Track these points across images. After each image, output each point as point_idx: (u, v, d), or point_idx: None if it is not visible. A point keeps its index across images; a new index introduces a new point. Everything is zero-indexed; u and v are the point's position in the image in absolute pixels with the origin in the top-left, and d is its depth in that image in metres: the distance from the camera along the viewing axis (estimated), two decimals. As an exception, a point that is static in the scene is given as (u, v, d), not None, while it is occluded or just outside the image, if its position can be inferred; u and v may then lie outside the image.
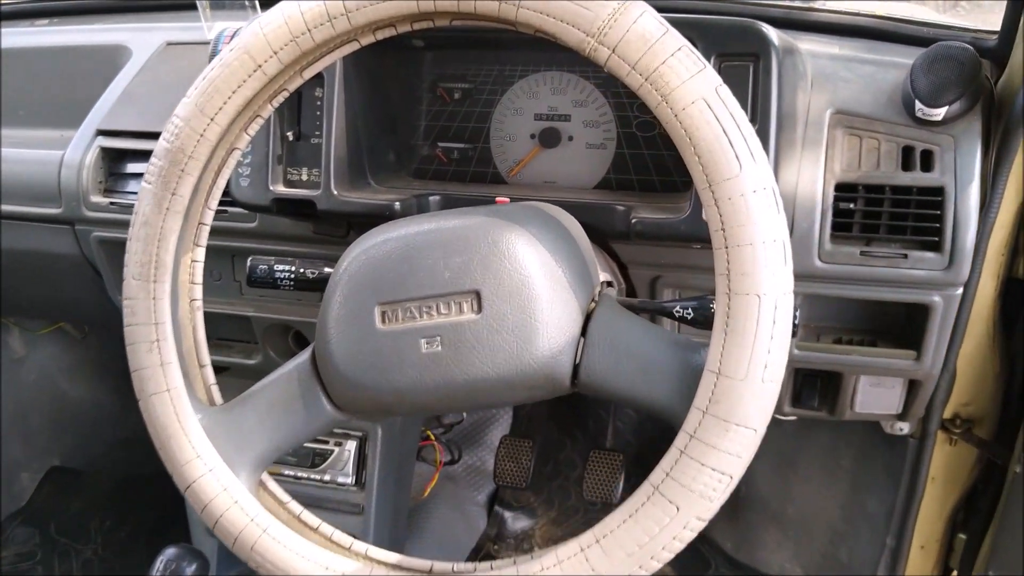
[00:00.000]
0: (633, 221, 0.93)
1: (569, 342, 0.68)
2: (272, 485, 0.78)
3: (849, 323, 1.11)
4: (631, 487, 1.68)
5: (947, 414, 1.23)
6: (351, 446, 1.31)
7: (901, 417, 1.16)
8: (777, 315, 0.63)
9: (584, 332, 0.69)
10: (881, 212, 0.97)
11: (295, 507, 0.77)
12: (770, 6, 1.29)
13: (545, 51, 1.09)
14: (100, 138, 1.28)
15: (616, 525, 0.65)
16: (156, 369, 0.75)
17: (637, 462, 1.91)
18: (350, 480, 1.34)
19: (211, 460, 0.74)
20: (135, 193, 1.19)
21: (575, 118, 1.12)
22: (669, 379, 0.68)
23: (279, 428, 0.76)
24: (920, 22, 1.21)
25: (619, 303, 0.74)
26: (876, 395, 1.10)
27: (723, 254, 0.64)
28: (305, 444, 1.13)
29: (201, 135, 0.73)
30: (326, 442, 1.35)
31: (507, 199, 0.95)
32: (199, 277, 0.80)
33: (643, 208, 0.95)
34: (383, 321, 0.70)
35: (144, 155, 1.29)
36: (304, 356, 0.78)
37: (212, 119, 0.72)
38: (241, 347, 1.41)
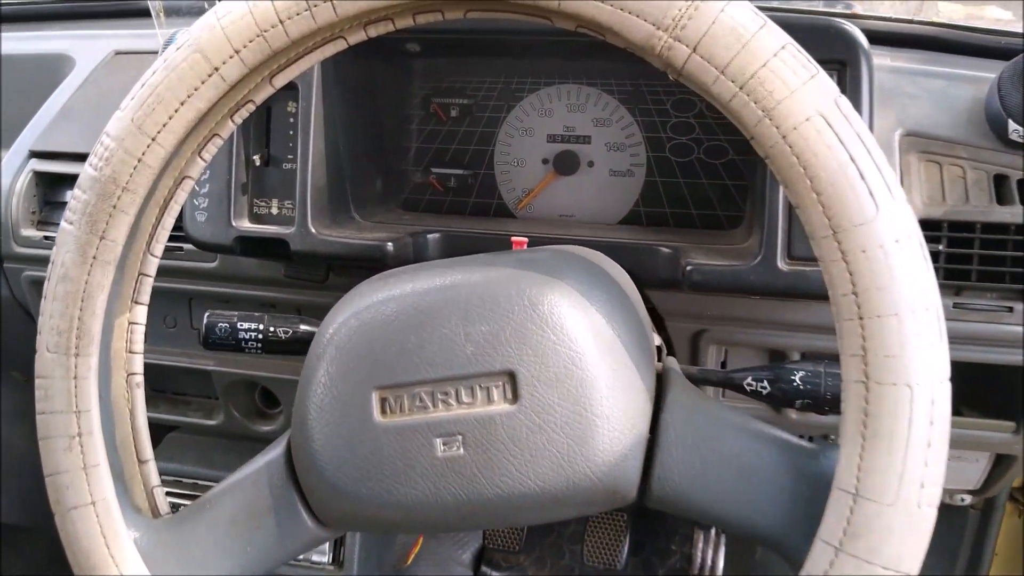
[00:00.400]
0: (688, 268, 0.79)
1: (636, 442, 0.53)
2: None
3: None
4: (636, 548, 1.47)
5: (1016, 482, 1.11)
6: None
7: (977, 492, 0.98)
8: (935, 412, 0.46)
9: (654, 426, 0.54)
10: (972, 255, 0.83)
11: None
12: (809, 13, 1.12)
13: (560, 59, 0.98)
14: (34, 161, 1.12)
15: None
16: (78, 474, 0.55)
17: (641, 518, 1.72)
18: (326, 559, 1.16)
19: (149, 600, 0.55)
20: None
21: (596, 140, 0.99)
22: (778, 495, 0.51)
23: (244, 551, 0.57)
24: (988, 30, 1.05)
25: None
26: (954, 469, 0.97)
27: (855, 328, 0.46)
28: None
29: (139, 160, 0.54)
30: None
31: (524, 239, 0.79)
32: (139, 343, 0.61)
33: (694, 251, 0.82)
34: (384, 412, 0.54)
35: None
36: (276, 451, 0.59)
37: (154, 139, 0.54)
38: (199, 404, 1.25)
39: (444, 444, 0.54)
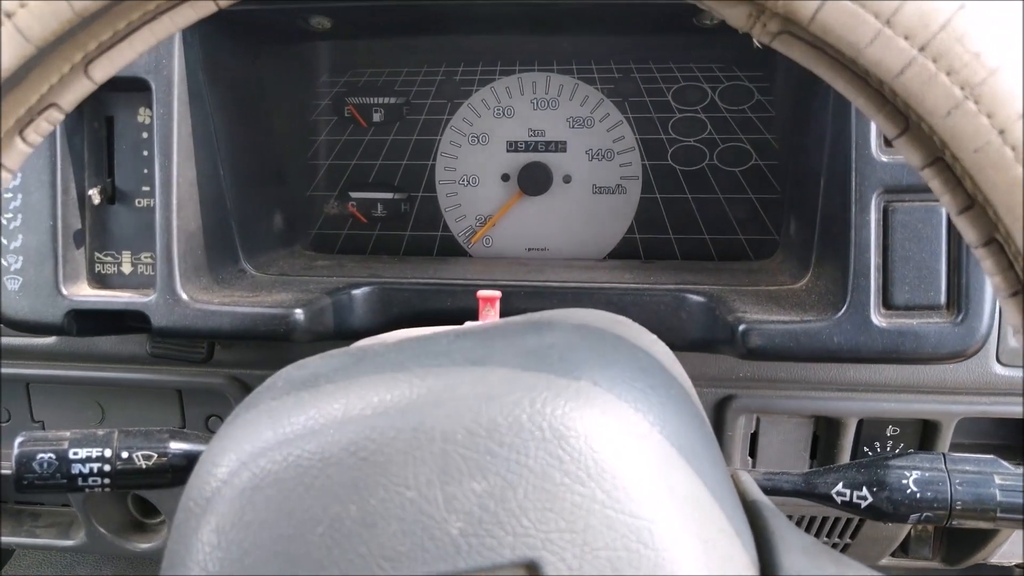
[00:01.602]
0: (741, 329, 0.66)
1: None
2: None
3: (1000, 441, 0.86)
4: None
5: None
6: None
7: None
8: None
9: None
10: None
11: None
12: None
13: (521, 36, 0.88)
14: None
15: None
16: None
17: None
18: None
19: None
20: None
21: (574, 146, 0.89)
22: None
23: None
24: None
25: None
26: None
27: None
28: None
29: None
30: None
31: (495, 294, 0.63)
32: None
33: (733, 298, 0.71)
34: None
35: None
36: None
37: None
38: (53, 517, 1.07)
39: None
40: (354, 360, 0.44)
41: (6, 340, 0.88)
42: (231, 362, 0.81)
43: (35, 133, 0.40)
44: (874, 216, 0.65)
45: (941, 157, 0.35)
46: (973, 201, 0.35)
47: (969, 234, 0.34)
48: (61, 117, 0.40)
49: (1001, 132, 0.32)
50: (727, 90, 0.83)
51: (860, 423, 0.80)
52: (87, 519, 1.00)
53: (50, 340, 0.88)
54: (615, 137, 0.88)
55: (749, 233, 0.84)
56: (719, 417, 0.83)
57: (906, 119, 0.35)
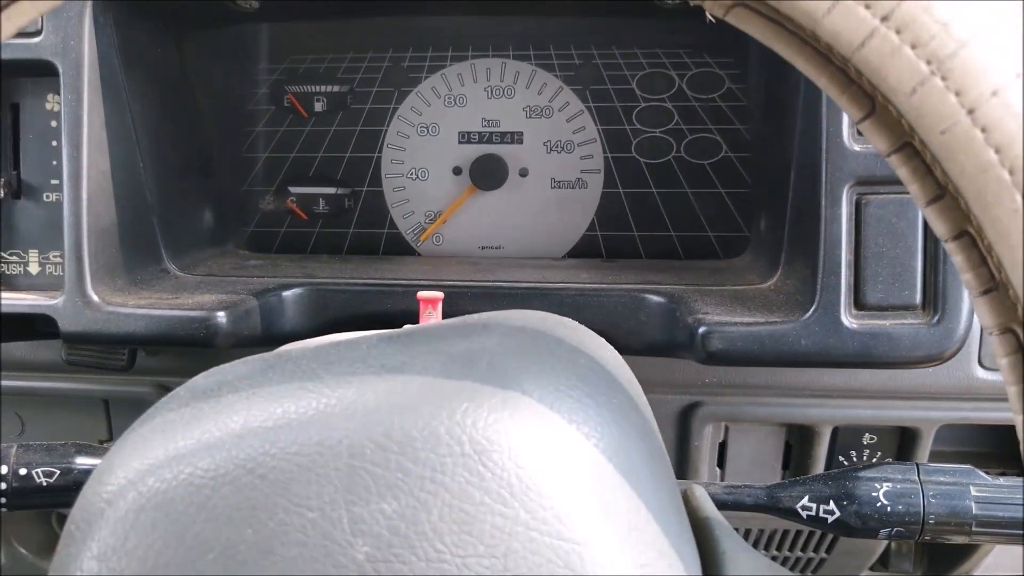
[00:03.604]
0: (702, 332, 0.65)
1: None
2: None
3: (982, 449, 0.86)
4: None
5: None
6: None
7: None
8: None
9: None
10: None
11: None
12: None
13: (476, 16, 0.87)
14: None
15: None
16: None
17: None
18: None
19: None
20: None
21: (531, 137, 0.88)
22: None
23: None
24: None
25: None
26: (1014, 553, 0.93)
27: None
28: None
29: None
30: None
31: (438, 295, 0.63)
32: None
33: (695, 298, 0.70)
34: None
35: None
36: None
37: None
38: None
39: None
40: (263, 367, 0.42)
41: (-87, 347, 0.85)
42: (158, 369, 0.79)
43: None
44: (845, 210, 0.64)
45: (910, 142, 0.33)
46: (944, 191, 0.33)
47: (939, 227, 0.33)
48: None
49: (971, 112, 0.31)
50: (696, 77, 0.82)
51: (835, 431, 0.80)
52: (7, 540, 0.98)
53: (-52, 342, 0.85)
54: (575, 128, 0.87)
55: (718, 230, 0.83)
56: (684, 426, 0.82)
57: (872, 101, 0.34)
